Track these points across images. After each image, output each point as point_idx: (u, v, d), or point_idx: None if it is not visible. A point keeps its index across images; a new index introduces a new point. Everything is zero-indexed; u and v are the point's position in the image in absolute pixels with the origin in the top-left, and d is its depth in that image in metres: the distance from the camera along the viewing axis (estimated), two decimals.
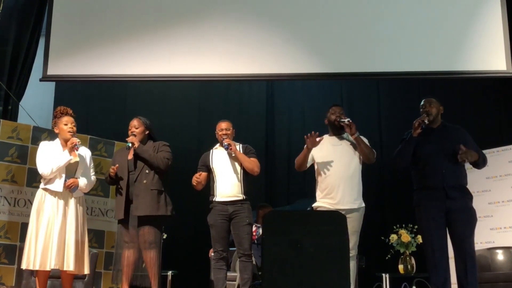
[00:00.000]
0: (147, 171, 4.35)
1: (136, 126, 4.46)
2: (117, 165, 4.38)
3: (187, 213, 6.26)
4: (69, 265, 4.03)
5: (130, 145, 4.36)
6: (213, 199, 4.49)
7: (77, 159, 4.20)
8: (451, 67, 5.48)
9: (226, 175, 4.49)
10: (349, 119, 4.19)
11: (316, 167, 4.33)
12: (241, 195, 4.46)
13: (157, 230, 4.35)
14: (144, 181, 4.33)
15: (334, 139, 4.35)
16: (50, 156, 4.14)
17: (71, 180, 4.14)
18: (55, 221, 4.05)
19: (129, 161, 4.42)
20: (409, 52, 5.48)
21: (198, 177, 4.47)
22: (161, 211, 4.32)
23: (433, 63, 5.46)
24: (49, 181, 4.12)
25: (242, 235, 4.41)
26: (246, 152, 4.58)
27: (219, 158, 4.56)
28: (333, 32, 5.54)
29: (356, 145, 4.25)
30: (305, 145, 4.24)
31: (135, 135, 4.42)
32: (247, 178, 4.52)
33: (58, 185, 4.11)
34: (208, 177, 4.57)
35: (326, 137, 4.40)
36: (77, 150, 4.20)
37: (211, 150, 4.64)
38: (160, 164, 4.36)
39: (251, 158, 4.54)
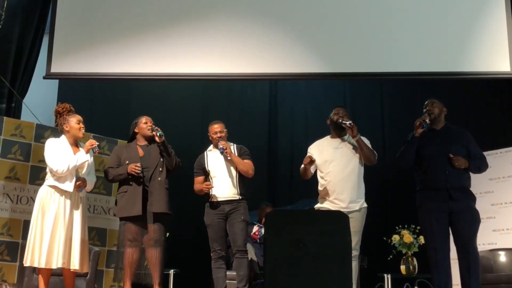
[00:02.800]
0: (160, 169, 4.40)
1: (152, 122, 4.52)
2: (138, 163, 4.35)
3: (188, 211, 6.26)
4: (75, 264, 4.04)
5: (161, 133, 4.37)
6: (210, 199, 4.50)
7: (90, 160, 4.22)
8: (455, 68, 5.47)
9: (222, 177, 4.49)
10: (350, 121, 4.19)
11: (317, 169, 4.34)
12: (237, 196, 4.47)
13: (163, 229, 4.39)
14: (159, 179, 4.37)
15: (335, 141, 4.35)
16: (60, 154, 4.11)
17: (80, 181, 4.14)
18: (62, 220, 4.04)
19: (142, 158, 4.43)
20: (413, 52, 5.47)
21: (208, 185, 4.48)
22: (170, 210, 4.41)
23: (437, 63, 5.45)
24: (59, 179, 4.09)
25: (236, 231, 4.40)
26: (240, 153, 4.56)
27: (214, 160, 4.55)
28: (337, 33, 5.53)
29: (357, 147, 4.25)
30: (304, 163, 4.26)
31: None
32: (243, 179, 4.52)
33: (68, 185, 4.08)
34: (205, 179, 4.58)
35: (327, 139, 4.41)
36: (97, 153, 4.24)
37: (205, 152, 4.63)
38: (176, 164, 4.45)
39: (245, 160, 4.53)
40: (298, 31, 5.54)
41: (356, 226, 4.08)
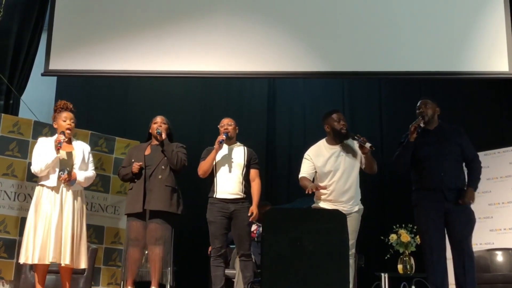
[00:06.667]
0: (163, 167, 4.44)
1: (163, 122, 4.60)
2: (140, 162, 4.44)
3: (186, 209, 6.25)
4: (65, 259, 4.02)
5: (160, 131, 4.46)
6: (214, 195, 4.48)
7: (62, 154, 4.16)
8: (453, 67, 5.47)
9: (228, 172, 4.48)
10: (370, 144, 4.00)
11: (318, 178, 4.19)
12: (242, 193, 4.46)
13: (167, 227, 4.41)
14: (160, 176, 4.41)
15: (334, 148, 4.19)
16: (43, 153, 4.15)
17: (66, 174, 4.13)
18: (53, 216, 4.05)
19: (146, 156, 4.50)
20: (411, 52, 5.47)
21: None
22: (172, 209, 4.41)
23: (435, 63, 5.45)
24: (43, 178, 4.16)
25: (243, 235, 4.44)
26: (250, 159, 4.56)
27: (222, 154, 4.54)
28: (335, 31, 5.54)
29: (355, 151, 4.16)
30: (309, 188, 4.01)
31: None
32: (248, 177, 4.54)
33: (52, 180, 4.12)
34: (211, 174, 4.55)
35: (325, 145, 4.24)
36: (59, 148, 4.10)
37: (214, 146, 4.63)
38: (178, 163, 4.46)
39: (252, 170, 4.55)
40: (297, 29, 5.54)
41: (352, 225, 4.06)
